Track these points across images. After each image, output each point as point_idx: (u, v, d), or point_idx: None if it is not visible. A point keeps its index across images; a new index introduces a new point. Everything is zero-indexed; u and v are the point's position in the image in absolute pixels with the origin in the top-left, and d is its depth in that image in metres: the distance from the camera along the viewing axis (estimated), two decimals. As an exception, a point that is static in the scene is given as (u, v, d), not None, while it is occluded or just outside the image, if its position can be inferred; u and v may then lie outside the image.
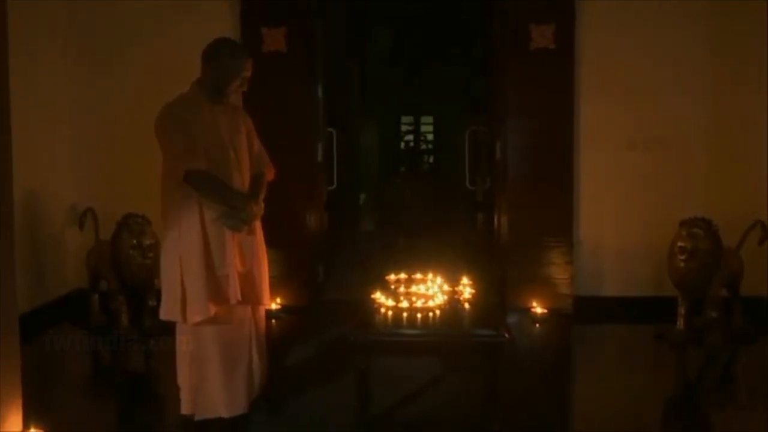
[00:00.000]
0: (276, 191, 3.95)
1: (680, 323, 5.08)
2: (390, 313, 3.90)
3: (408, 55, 13.43)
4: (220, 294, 3.50)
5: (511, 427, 3.71)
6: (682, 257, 4.88)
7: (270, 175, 3.88)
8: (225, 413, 3.60)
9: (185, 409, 3.62)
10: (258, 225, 3.72)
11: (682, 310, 5.08)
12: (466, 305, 4.05)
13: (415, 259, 5.22)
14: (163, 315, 3.57)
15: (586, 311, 5.67)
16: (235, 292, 3.51)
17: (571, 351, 5.40)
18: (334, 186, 6.63)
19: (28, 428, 3.29)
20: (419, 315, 3.87)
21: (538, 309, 5.65)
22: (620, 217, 5.81)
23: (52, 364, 4.78)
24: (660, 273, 5.32)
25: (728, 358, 4.99)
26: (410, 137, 16.30)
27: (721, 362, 4.92)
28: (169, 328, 3.73)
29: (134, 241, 5.05)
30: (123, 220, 5.11)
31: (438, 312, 3.91)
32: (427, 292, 4.21)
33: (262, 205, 3.69)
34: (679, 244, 4.89)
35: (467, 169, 7.43)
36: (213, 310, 3.47)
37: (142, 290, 5.24)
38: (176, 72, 4.13)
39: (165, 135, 3.47)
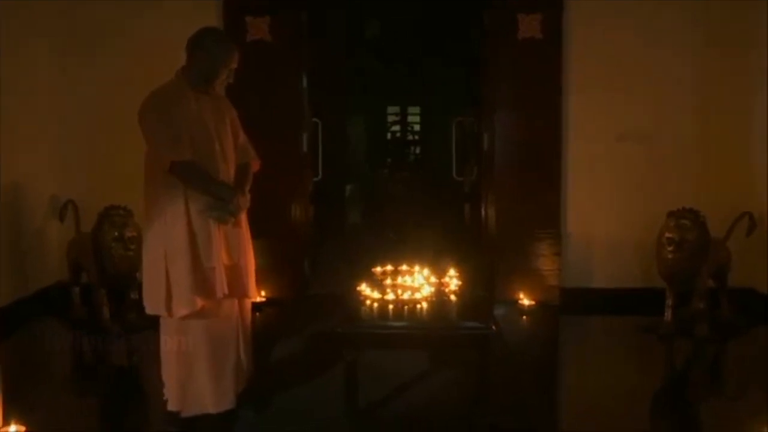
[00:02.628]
0: (261, 182, 3.94)
1: (668, 315, 5.12)
2: (376, 305, 3.90)
3: (395, 44, 13.39)
4: (207, 287, 3.49)
5: (500, 420, 3.72)
6: (670, 248, 4.91)
7: (255, 166, 3.87)
8: (213, 409, 3.60)
9: (172, 405, 3.61)
10: (243, 217, 3.72)
11: (669, 302, 5.12)
12: (453, 297, 4.06)
13: (402, 251, 5.23)
14: (148, 309, 3.56)
15: (574, 303, 5.70)
16: (222, 285, 3.51)
17: (559, 343, 5.43)
18: (320, 177, 6.61)
19: (8, 424, 3.27)
20: (406, 307, 3.88)
21: (526, 301, 5.68)
22: (609, 208, 5.84)
23: (32, 359, 4.75)
24: (648, 264, 5.36)
25: (716, 349, 5.03)
26: (397, 128, 16.27)
27: (709, 354, 4.97)
28: (152, 322, 3.72)
29: (116, 233, 5.02)
30: (104, 211, 5.08)
31: (425, 304, 3.92)
32: (414, 284, 4.22)
33: (248, 196, 3.69)
34: (667, 235, 4.93)
35: (454, 159, 7.44)
36: (200, 303, 3.46)
37: (124, 283, 5.21)
38: (159, 61, 4.11)
39: (149, 125, 3.45)
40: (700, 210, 4.94)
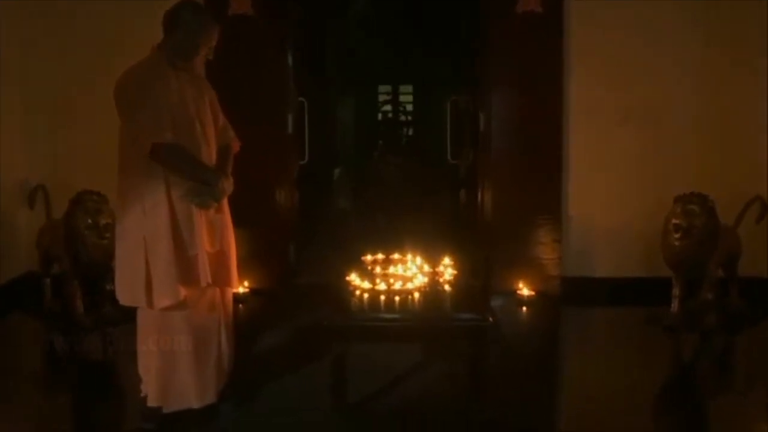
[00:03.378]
0: (243, 166, 3.93)
1: (674, 305, 5.13)
2: (366, 296, 3.90)
3: (386, 20, 13.34)
4: (190, 276, 3.48)
5: (497, 415, 3.74)
6: (677, 235, 4.92)
7: (235, 147, 3.87)
8: (196, 403, 3.61)
9: (153, 401, 3.61)
10: (225, 202, 3.71)
11: (676, 292, 5.13)
12: (448, 287, 4.06)
13: (393, 239, 5.22)
14: (125, 300, 3.54)
15: (575, 293, 5.72)
16: (205, 273, 3.51)
17: (559, 336, 5.45)
18: (306, 160, 6.59)
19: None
20: (398, 298, 3.88)
21: (525, 291, 5.69)
22: (612, 193, 5.84)
23: (2, 354, 4.74)
24: (653, 252, 5.36)
25: (725, 342, 5.05)
26: (388, 108, 16.24)
27: (718, 347, 4.99)
28: (128, 315, 3.71)
29: (89, 221, 4.99)
30: (77, 197, 5.06)
31: (418, 295, 3.92)
32: (406, 273, 4.23)
33: (232, 180, 3.68)
34: (674, 221, 4.93)
35: (449, 141, 7.42)
36: (182, 293, 3.46)
37: (98, 273, 5.19)
38: (134, 38, 4.07)
39: (127, 104, 3.41)
40: (709, 194, 4.95)
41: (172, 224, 3.44)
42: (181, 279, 3.45)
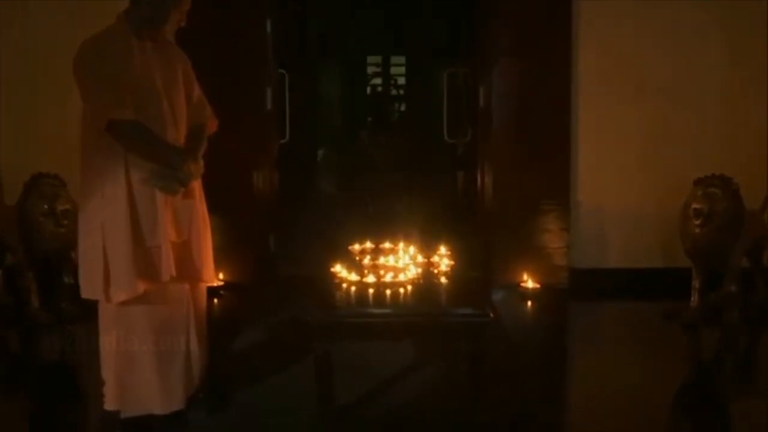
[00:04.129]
0: (218, 146, 3.91)
1: (694, 299, 5.16)
2: (354, 289, 3.91)
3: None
4: (151, 269, 3.47)
5: (498, 420, 3.75)
6: (697, 222, 4.94)
7: (212, 126, 3.85)
8: (159, 410, 3.60)
9: (110, 404, 3.60)
10: (197, 187, 3.70)
11: (696, 284, 5.16)
12: (444, 280, 4.07)
13: (384, 226, 5.23)
14: (85, 293, 3.54)
15: (584, 286, 5.75)
16: (168, 266, 3.49)
17: (567, 332, 5.47)
18: (287, 139, 6.59)
19: None
20: (388, 292, 3.88)
21: (529, 284, 5.72)
22: (625, 175, 5.86)
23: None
24: (671, 241, 5.38)
25: (749, 339, 5.08)
26: (378, 81, 16.23)
27: (741, 344, 5.02)
28: (89, 311, 3.70)
29: (46, 207, 4.98)
30: (32, 181, 5.04)
31: (411, 288, 3.93)
32: (398, 264, 4.22)
33: (202, 162, 3.66)
34: (694, 206, 4.95)
35: (445, 119, 7.41)
36: (142, 287, 3.45)
37: (55, 265, 5.18)
38: (97, 8, 4.05)
39: (86, 77, 3.40)
40: (732, 177, 4.97)
41: (131, 211, 3.42)
42: (140, 272, 3.44)
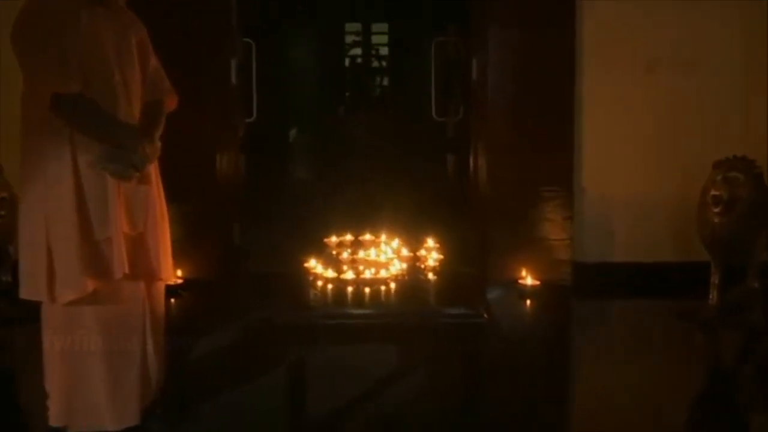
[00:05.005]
0: (177, 125, 3.90)
1: (713, 296, 5.19)
2: (331, 287, 3.91)
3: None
4: (101, 265, 3.46)
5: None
6: (716, 209, 4.96)
7: (170, 103, 3.83)
8: (111, 425, 3.59)
9: (55, 419, 3.59)
10: (154, 171, 3.69)
11: (715, 279, 5.19)
12: (432, 276, 4.08)
13: (365, 215, 5.23)
14: (24, 293, 3.52)
15: (590, 282, 5.76)
16: (120, 262, 3.48)
17: (571, 335, 5.49)
18: (254, 118, 6.58)
19: None
20: (369, 290, 3.89)
21: (528, 280, 5.73)
22: (635, 158, 5.88)
23: None
24: (687, 231, 5.41)
25: (773, 341, 5.12)
26: (357, 51, 16.23)
27: (765, 346, 5.05)
28: (31, 312, 3.69)
29: (-21, 195, 4.96)
30: (-37, 166, 5.02)
31: (395, 286, 3.93)
32: (380, 259, 4.23)
33: (159, 144, 3.65)
34: (713, 192, 4.97)
35: (434, 94, 7.42)
36: (91, 286, 3.44)
37: (-9, 261, 5.17)
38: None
39: (25, 46, 3.38)
40: (755, 159, 4.99)
41: (78, 199, 3.40)
42: (89, 268, 3.42)
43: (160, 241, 3.73)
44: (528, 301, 5.66)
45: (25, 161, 3.49)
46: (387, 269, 4.09)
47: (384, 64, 16.12)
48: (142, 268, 3.63)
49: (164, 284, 3.88)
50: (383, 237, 4.50)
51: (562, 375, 4.73)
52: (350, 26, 16.08)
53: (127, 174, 3.48)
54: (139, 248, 3.61)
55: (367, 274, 4.02)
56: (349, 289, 3.90)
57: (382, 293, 3.88)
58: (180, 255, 5.24)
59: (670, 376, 4.58)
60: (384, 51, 16.13)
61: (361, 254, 4.30)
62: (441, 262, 4.24)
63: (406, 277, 4.03)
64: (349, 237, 4.53)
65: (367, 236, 4.53)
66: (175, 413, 3.85)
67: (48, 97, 3.32)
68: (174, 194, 4.01)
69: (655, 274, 5.80)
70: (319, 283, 3.95)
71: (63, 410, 3.59)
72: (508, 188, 5.83)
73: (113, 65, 3.51)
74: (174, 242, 3.90)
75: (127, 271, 3.51)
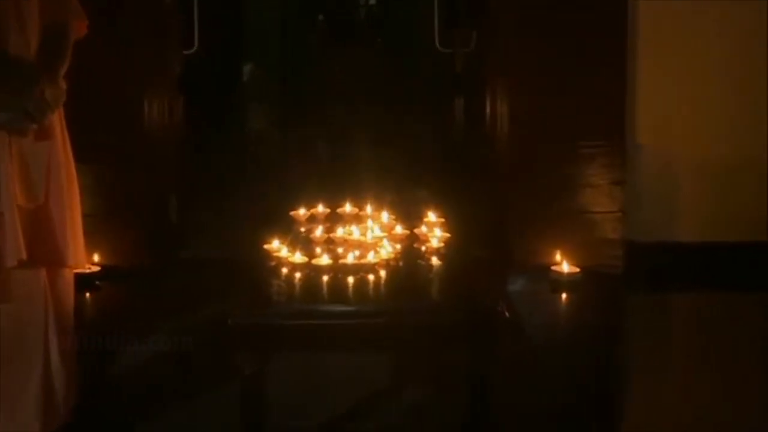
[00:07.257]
0: (89, 60, 3.91)
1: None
2: (300, 276, 3.94)
3: None
4: (-12, 250, 3.49)
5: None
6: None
7: (79, 28, 3.83)
8: (-2, 463, 3.63)
9: None
10: (58, 123, 3.69)
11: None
12: (435, 260, 4.12)
13: (344, 181, 5.25)
14: None
15: (648, 269, 5.80)
16: (15, 244, 3.49)
17: (620, 336, 5.51)
18: (195, 48, 6.56)
19: None
20: (351, 279, 3.92)
21: (564, 266, 5.76)
22: (704, 108, 5.89)
23: None
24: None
25: None
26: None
27: None
28: None
29: None
30: None
31: (385, 274, 3.96)
32: (365, 238, 4.25)
33: (64, 86, 3.65)
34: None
35: (436, 17, 7.43)
36: (-25, 276, 3.47)
37: None
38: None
39: None
40: None
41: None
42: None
43: (68, 217, 3.72)
44: (564, 295, 5.69)
45: None
46: (375, 252, 4.11)
47: (370, -24, 16.12)
48: (44, 252, 3.64)
49: (73, 273, 3.90)
50: (369, 209, 4.52)
51: (609, 388, 4.75)
52: (325, -75, 16.06)
53: (20, 127, 3.48)
54: (40, 226, 3.62)
55: (349, 259, 4.05)
56: (325, 278, 3.93)
57: (369, 284, 3.91)
58: (95, 235, 5.30)
59: (748, 385, 4.62)
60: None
61: (339, 232, 4.31)
62: (446, 242, 4.26)
63: (400, 263, 4.06)
64: (323, 209, 4.55)
65: (348, 208, 4.55)
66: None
67: None
68: (87, 154, 4.03)
69: (737, 258, 5.82)
70: (284, 270, 3.98)
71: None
72: (536, 142, 5.84)
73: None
74: (87, 218, 3.92)
75: (23, 256, 3.52)
